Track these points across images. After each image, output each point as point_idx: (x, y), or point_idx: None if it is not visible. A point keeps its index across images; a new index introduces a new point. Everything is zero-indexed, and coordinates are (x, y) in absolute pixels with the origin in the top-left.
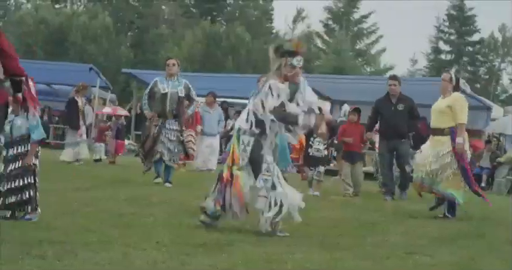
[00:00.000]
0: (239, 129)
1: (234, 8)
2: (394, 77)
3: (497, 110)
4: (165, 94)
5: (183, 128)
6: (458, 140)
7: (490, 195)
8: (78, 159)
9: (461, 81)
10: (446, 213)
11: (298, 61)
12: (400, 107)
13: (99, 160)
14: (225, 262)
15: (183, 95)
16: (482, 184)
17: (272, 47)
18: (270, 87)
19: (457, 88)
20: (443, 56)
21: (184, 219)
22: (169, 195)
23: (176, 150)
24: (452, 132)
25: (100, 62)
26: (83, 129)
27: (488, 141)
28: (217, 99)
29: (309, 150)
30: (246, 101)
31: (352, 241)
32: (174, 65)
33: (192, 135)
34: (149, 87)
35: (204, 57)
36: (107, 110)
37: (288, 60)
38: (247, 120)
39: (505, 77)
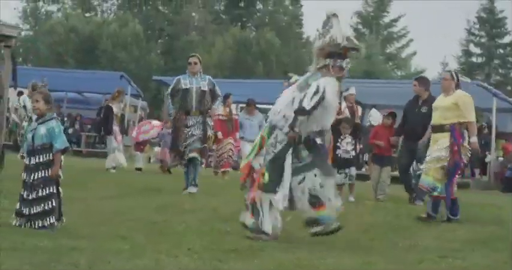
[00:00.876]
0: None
1: (264, 13)
2: (416, 78)
3: None
4: (188, 89)
5: (211, 124)
6: (473, 139)
7: None
8: (114, 167)
9: (461, 76)
10: (431, 212)
11: (347, 63)
12: (424, 109)
13: (140, 169)
14: (257, 268)
15: (207, 89)
16: None
17: (319, 45)
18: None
19: (458, 85)
20: (474, 59)
21: (216, 226)
22: (201, 202)
23: (198, 141)
24: (452, 129)
25: (131, 69)
26: (119, 135)
27: None
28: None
29: (337, 151)
30: None
31: (384, 245)
32: (196, 63)
33: (231, 143)
34: (171, 86)
35: (235, 63)
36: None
37: (338, 61)
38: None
39: None
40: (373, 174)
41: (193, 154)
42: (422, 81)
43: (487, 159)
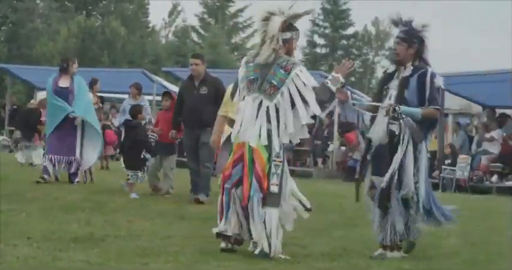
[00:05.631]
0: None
1: (110, 2)
2: (195, 55)
3: None
4: None
5: None
6: None
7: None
8: None
9: None
10: None
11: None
12: (203, 90)
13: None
14: (97, 257)
15: None
16: (356, 176)
17: (282, 20)
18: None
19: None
20: (318, 50)
21: (57, 215)
22: (43, 191)
23: None
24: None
25: None
26: None
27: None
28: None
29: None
30: (121, 96)
31: None
32: None
33: None
34: None
35: (80, 52)
36: None
37: (298, 34)
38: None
39: (379, 70)
40: (152, 165)
41: None
42: (204, 58)
43: (329, 149)
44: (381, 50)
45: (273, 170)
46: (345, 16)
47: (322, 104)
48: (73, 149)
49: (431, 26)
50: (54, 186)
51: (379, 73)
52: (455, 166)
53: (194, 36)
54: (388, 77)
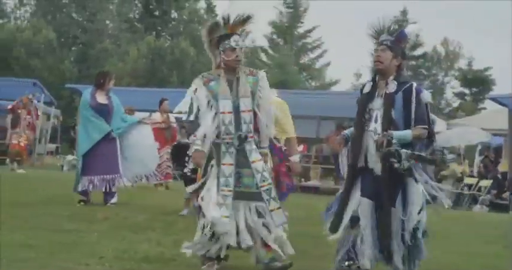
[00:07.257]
0: None
1: (179, 22)
2: None
3: (440, 124)
4: None
5: None
6: (294, 158)
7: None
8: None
9: None
10: None
11: (236, 41)
12: None
13: None
14: None
15: None
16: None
17: (207, 40)
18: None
19: None
20: None
21: (127, 234)
22: (113, 210)
23: None
24: (272, 148)
25: (44, 77)
26: None
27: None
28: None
29: (186, 170)
30: None
31: (296, 254)
32: None
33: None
34: None
35: (149, 72)
36: None
37: (226, 43)
38: None
39: (448, 90)
40: None
41: None
42: None
43: None
44: (451, 71)
45: None
46: None
47: None
48: (116, 166)
49: (432, 26)
50: (122, 207)
51: (448, 94)
52: None
53: (263, 56)
54: (367, 97)
